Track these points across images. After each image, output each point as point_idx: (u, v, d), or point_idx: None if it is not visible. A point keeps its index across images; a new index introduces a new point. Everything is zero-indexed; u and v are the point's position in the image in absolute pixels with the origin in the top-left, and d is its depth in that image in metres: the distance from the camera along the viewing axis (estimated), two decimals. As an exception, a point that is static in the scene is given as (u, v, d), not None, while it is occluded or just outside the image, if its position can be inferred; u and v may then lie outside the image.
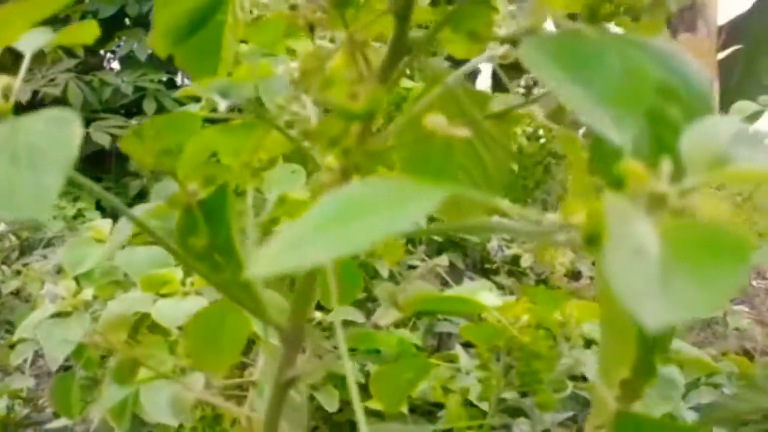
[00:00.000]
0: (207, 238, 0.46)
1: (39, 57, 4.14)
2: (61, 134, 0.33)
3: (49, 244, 2.44)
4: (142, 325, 0.95)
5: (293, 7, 0.46)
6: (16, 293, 2.08)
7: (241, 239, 0.57)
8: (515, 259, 1.61)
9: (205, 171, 0.46)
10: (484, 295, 0.75)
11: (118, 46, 4.51)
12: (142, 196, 3.58)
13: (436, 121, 0.43)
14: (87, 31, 0.48)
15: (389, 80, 0.44)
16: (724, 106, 3.33)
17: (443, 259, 1.46)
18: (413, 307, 0.65)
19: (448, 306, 0.71)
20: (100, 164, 3.86)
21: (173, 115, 0.47)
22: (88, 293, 1.00)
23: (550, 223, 0.31)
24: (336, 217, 0.26)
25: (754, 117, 1.54)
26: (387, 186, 0.28)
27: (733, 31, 3.84)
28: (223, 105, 0.39)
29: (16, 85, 0.42)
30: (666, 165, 0.30)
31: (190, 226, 0.47)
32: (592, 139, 0.32)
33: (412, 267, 1.46)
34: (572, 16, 0.44)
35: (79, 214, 2.80)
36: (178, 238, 0.47)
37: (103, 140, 3.63)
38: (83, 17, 4.30)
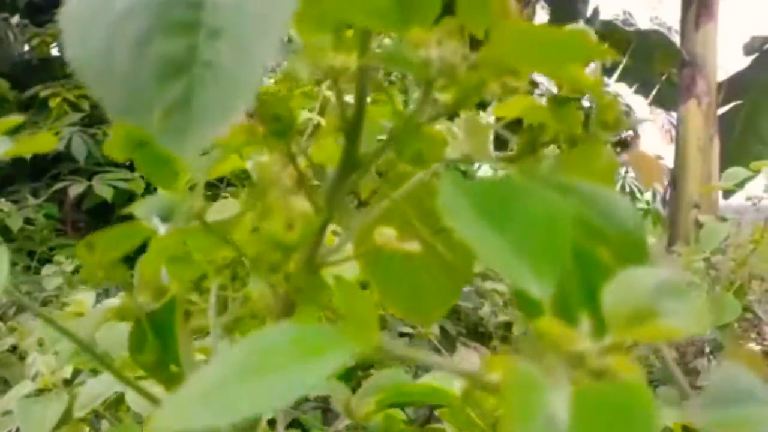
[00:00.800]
0: (156, 353, 0.45)
1: (44, 111, 4.18)
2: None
3: (46, 301, 2.44)
4: (121, 404, 0.95)
5: (251, 116, 0.47)
6: (12, 350, 2.08)
7: (200, 343, 0.57)
8: (509, 325, 1.60)
9: (156, 283, 0.46)
10: (457, 382, 0.74)
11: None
12: (144, 249, 3.58)
13: (385, 236, 0.43)
14: (45, 142, 0.49)
15: (337, 198, 0.44)
16: (726, 161, 3.33)
17: (434, 327, 1.45)
18: (381, 404, 0.64)
19: (419, 398, 0.70)
20: (103, 217, 3.87)
21: (123, 227, 0.47)
22: (68, 370, 0.99)
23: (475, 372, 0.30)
24: (241, 373, 0.26)
25: (745, 182, 1.54)
26: (299, 335, 0.28)
27: (733, 87, 3.86)
28: (162, 229, 0.39)
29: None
30: (585, 322, 0.29)
31: (140, 340, 0.46)
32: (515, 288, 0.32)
33: (404, 335, 1.45)
34: (512, 128, 0.44)
35: (77, 270, 2.80)
36: (129, 350, 0.47)
37: (106, 193, 3.65)
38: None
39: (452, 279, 0.57)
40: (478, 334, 1.69)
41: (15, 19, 5.06)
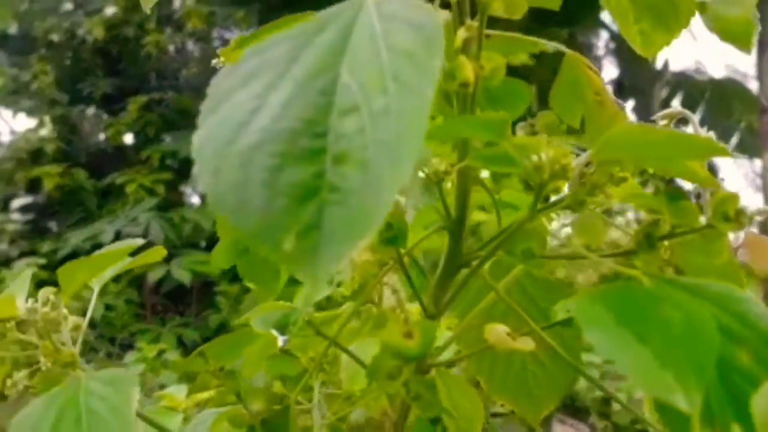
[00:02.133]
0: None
1: (121, 197, 4.29)
2: (119, 398, 0.33)
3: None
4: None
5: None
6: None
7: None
8: (606, 400, 1.56)
9: (269, 392, 0.46)
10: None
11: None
12: (221, 330, 3.62)
13: (496, 333, 0.42)
14: (154, 255, 0.50)
15: (444, 298, 0.44)
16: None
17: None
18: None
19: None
20: (180, 299, 3.93)
21: (234, 336, 0.47)
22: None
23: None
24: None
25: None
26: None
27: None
28: (281, 340, 0.39)
29: (84, 325, 0.43)
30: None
31: (254, 447, 0.46)
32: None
33: (496, 415, 1.42)
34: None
35: (159, 355, 2.83)
36: (244, 457, 0.47)
37: (184, 277, 3.71)
38: (162, 159, 4.47)
39: (562, 369, 0.56)
40: (575, 410, 1.65)
41: (91, 110, 5.26)
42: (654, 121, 0.52)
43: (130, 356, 2.75)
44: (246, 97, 0.31)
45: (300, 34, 0.32)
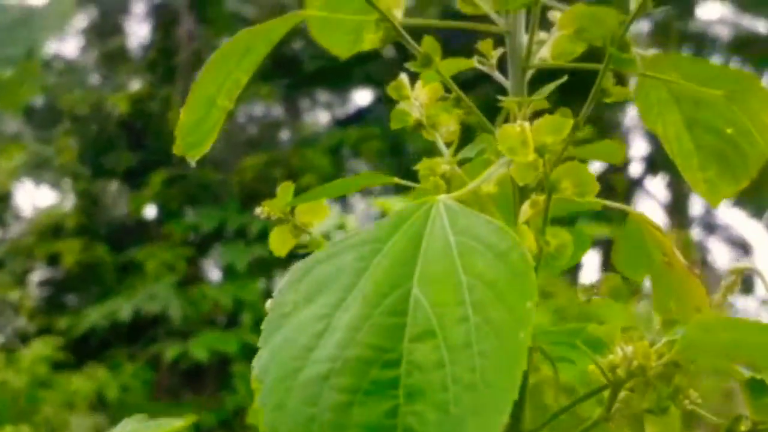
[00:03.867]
0: None
1: (141, 272, 4.28)
2: None
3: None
4: None
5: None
6: None
7: None
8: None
9: None
10: None
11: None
12: (238, 413, 3.56)
13: None
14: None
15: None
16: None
17: None
18: None
19: None
20: (197, 379, 3.88)
21: None
22: None
23: None
24: None
25: None
26: None
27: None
28: None
29: None
30: None
31: None
32: None
33: None
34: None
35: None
36: None
37: (201, 355, 3.67)
38: (184, 233, 4.47)
39: None
40: None
41: (113, 184, 5.28)
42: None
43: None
44: (311, 316, 0.28)
45: (368, 240, 0.30)
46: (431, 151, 0.49)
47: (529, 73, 0.43)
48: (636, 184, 5.04)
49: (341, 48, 0.52)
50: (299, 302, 0.29)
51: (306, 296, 0.29)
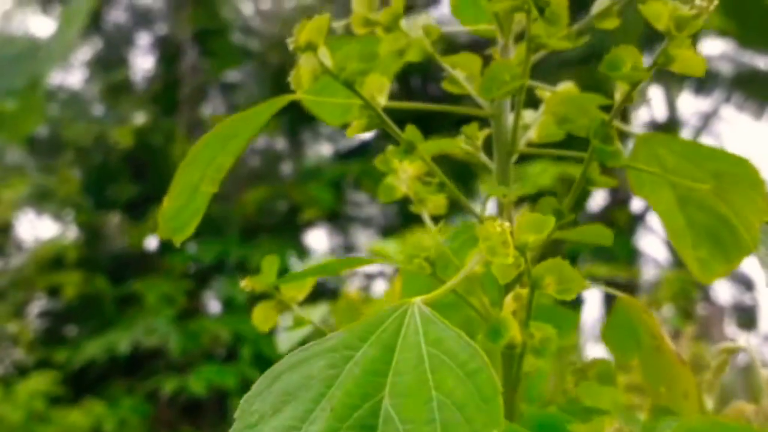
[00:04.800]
0: None
1: (140, 304, 4.27)
2: None
3: None
4: None
5: None
6: None
7: None
8: None
9: None
10: None
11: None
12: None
13: None
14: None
15: None
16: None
17: None
18: None
19: None
20: (196, 414, 3.85)
21: None
22: None
23: None
24: None
25: None
26: None
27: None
28: None
29: None
30: None
31: None
32: None
33: None
34: None
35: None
36: None
37: (200, 389, 3.65)
38: (184, 266, 4.46)
39: None
40: None
41: (115, 215, 5.28)
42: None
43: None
44: (279, 428, 0.28)
45: (340, 346, 0.29)
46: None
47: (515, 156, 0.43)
48: (638, 219, 5.03)
49: (333, 118, 0.52)
50: (266, 413, 0.28)
51: (273, 406, 0.28)
